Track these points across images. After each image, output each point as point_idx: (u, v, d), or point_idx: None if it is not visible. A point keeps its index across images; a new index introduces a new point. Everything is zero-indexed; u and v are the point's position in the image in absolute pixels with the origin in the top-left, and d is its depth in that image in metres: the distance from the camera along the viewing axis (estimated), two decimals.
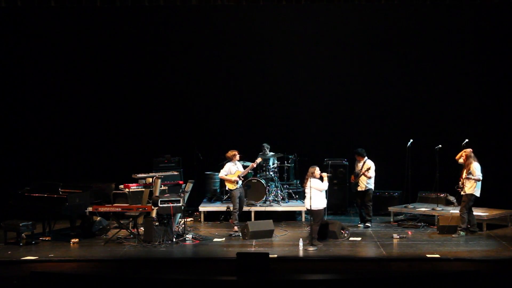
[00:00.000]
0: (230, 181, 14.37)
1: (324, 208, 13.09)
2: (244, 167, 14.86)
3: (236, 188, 14.35)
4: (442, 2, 15.30)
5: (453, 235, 13.44)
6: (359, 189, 14.52)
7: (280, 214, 15.28)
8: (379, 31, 16.55)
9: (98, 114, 17.00)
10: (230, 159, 14.44)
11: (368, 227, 14.47)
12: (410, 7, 16.12)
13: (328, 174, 13.22)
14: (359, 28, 16.58)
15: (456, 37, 16.43)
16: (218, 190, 16.17)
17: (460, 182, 13.46)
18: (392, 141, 16.15)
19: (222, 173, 14.44)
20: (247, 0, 14.72)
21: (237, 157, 14.44)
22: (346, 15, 16.47)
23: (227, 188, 14.84)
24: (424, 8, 15.99)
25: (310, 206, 12.83)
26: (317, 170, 12.98)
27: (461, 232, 13.45)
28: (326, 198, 13.15)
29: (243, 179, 14.57)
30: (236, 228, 14.19)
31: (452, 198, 15.01)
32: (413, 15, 16.34)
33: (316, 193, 12.91)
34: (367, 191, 14.48)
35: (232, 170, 14.41)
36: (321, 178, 13.01)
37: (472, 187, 13.35)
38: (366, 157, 14.55)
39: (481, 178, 13.34)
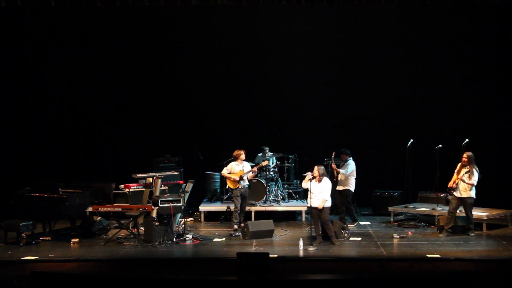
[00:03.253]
0: (231, 180, 14.38)
1: (316, 208, 12.87)
2: (251, 167, 14.89)
3: (237, 188, 14.32)
4: (442, 2, 15.30)
5: (471, 234, 13.48)
6: (337, 188, 14.49)
7: (280, 214, 15.28)
8: (379, 31, 16.55)
9: (98, 114, 17.01)
10: (235, 158, 14.44)
11: (353, 226, 14.52)
12: (410, 7, 16.12)
13: (311, 175, 12.98)
14: (359, 28, 16.59)
15: (456, 37, 16.43)
16: (218, 190, 16.18)
17: (454, 184, 13.45)
18: (392, 141, 16.15)
19: (224, 171, 14.45)
20: (247, 0, 14.72)
21: (242, 156, 14.38)
22: (346, 15, 16.47)
23: (227, 187, 14.86)
24: (424, 8, 16.00)
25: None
26: (315, 170, 12.95)
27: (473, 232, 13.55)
28: (321, 199, 12.93)
29: (246, 180, 14.50)
30: (235, 227, 14.21)
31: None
32: (413, 15, 16.34)
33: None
34: (344, 191, 14.45)
35: (235, 170, 14.35)
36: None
37: (471, 190, 13.37)
38: (350, 157, 14.55)
39: (475, 183, 13.36)
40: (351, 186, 14.49)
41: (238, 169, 14.35)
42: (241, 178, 14.30)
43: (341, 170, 14.42)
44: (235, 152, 14.42)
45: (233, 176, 14.31)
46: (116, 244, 13.22)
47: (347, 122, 16.89)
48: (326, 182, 12.95)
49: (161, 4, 14.73)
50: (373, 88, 16.79)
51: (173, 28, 16.81)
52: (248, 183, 14.51)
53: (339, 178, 14.48)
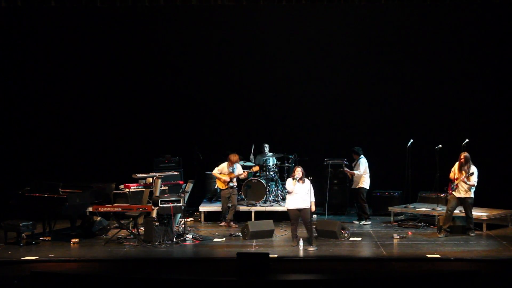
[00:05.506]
0: (220, 180, 14.64)
1: (299, 209, 12.85)
2: (244, 167, 14.96)
3: (226, 188, 14.60)
4: (442, 2, 15.31)
5: (471, 234, 13.49)
6: (352, 187, 14.86)
7: (280, 214, 15.23)
8: (379, 31, 16.55)
9: (98, 114, 17.00)
10: (227, 160, 14.64)
11: (363, 225, 14.57)
12: (410, 7, 16.12)
13: (303, 178, 12.93)
14: (359, 28, 16.59)
15: (456, 37, 16.43)
16: (218, 190, 16.16)
17: (454, 183, 13.44)
18: (392, 141, 16.15)
19: (215, 171, 14.80)
20: (247, 0, 14.72)
21: (234, 159, 14.59)
22: (346, 15, 16.47)
23: (215, 187, 15.01)
24: (424, 8, 16.00)
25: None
26: (296, 171, 12.90)
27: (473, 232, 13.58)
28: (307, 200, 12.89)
29: (235, 182, 14.75)
30: (222, 223, 14.62)
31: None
32: (413, 15, 16.34)
33: (288, 193, 12.99)
34: (358, 189, 14.70)
35: (225, 171, 14.63)
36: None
37: (470, 190, 13.38)
38: (360, 156, 14.67)
39: (475, 184, 13.38)
40: (365, 184, 14.77)
41: (229, 171, 14.63)
42: (231, 180, 14.55)
43: (355, 172, 14.59)
44: (230, 156, 14.72)
45: (223, 177, 14.49)
46: (116, 244, 13.22)
47: (347, 122, 16.89)
48: (309, 183, 12.92)
49: (161, 4, 14.73)
50: (373, 88, 16.79)
51: (173, 28, 16.80)
52: (236, 185, 14.86)
53: (354, 179, 14.68)
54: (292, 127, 17.04)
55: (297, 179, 12.82)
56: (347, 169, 14.96)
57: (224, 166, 14.74)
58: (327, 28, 16.64)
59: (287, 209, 13.09)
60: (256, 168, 15.27)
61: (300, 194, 12.84)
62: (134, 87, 17.00)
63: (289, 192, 12.96)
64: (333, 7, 16.16)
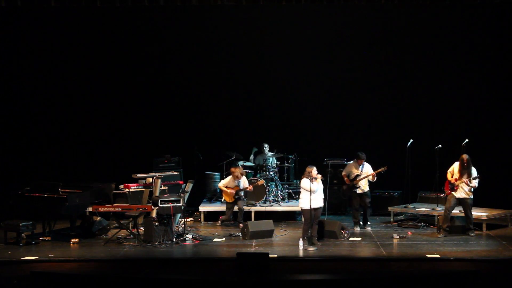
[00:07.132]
0: (227, 193, 14.57)
1: (315, 208, 12.80)
2: (244, 167, 14.94)
3: (231, 202, 14.58)
4: (442, 2, 15.31)
5: (471, 234, 13.46)
6: (359, 191, 14.44)
7: (280, 214, 15.28)
8: (379, 31, 16.56)
9: (98, 114, 17.00)
10: (232, 174, 14.61)
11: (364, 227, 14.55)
12: (410, 7, 16.12)
13: (322, 178, 12.99)
14: (359, 28, 16.59)
15: (456, 37, 16.44)
16: (218, 190, 16.17)
17: (455, 185, 13.43)
18: (392, 141, 16.15)
19: (221, 184, 14.78)
20: (247, 0, 14.72)
21: (237, 174, 14.50)
22: (346, 15, 16.47)
23: (222, 200, 14.96)
24: (424, 8, 16.00)
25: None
26: (313, 171, 12.88)
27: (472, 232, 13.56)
28: (322, 198, 12.98)
29: (242, 194, 14.69)
30: (219, 222, 14.71)
31: None
32: (413, 15, 16.35)
33: (304, 193, 12.87)
34: (365, 193, 14.50)
35: (231, 185, 14.60)
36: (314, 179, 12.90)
37: (471, 191, 13.40)
38: (364, 161, 14.59)
39: (477, 185, 13.41)
40: (367, 187, 14.53)
41: (234, 185, 14.58)
42: (236, 193, 14.49)
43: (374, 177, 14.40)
44: (231, 169, 14.66)
45: (229, 190, 14.51)
46: (116, 244, 13.22)
47: (347, 122, 16.90)
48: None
49: (161, 4, 14.74)
50: (373, 88, 16.79)
51: (173, 28, 16.81)
52: (244, 197, 14.86)
53: (361, 183, 14.44)
54: (292, 127, 17.04)
55: (315, 179, 12.74)
56: (367, 176, 14.35)
57: (229, 180, 14.66)
58: (327, 28, 16.65)
59: (303, 209, 12.89)
60: (261, 182, 15.15)
61: (318, 193, 12.83)
62: (134, 87, 17.01)
63: (311, 192, 12.73)
64: (333, 7, 16.17)
